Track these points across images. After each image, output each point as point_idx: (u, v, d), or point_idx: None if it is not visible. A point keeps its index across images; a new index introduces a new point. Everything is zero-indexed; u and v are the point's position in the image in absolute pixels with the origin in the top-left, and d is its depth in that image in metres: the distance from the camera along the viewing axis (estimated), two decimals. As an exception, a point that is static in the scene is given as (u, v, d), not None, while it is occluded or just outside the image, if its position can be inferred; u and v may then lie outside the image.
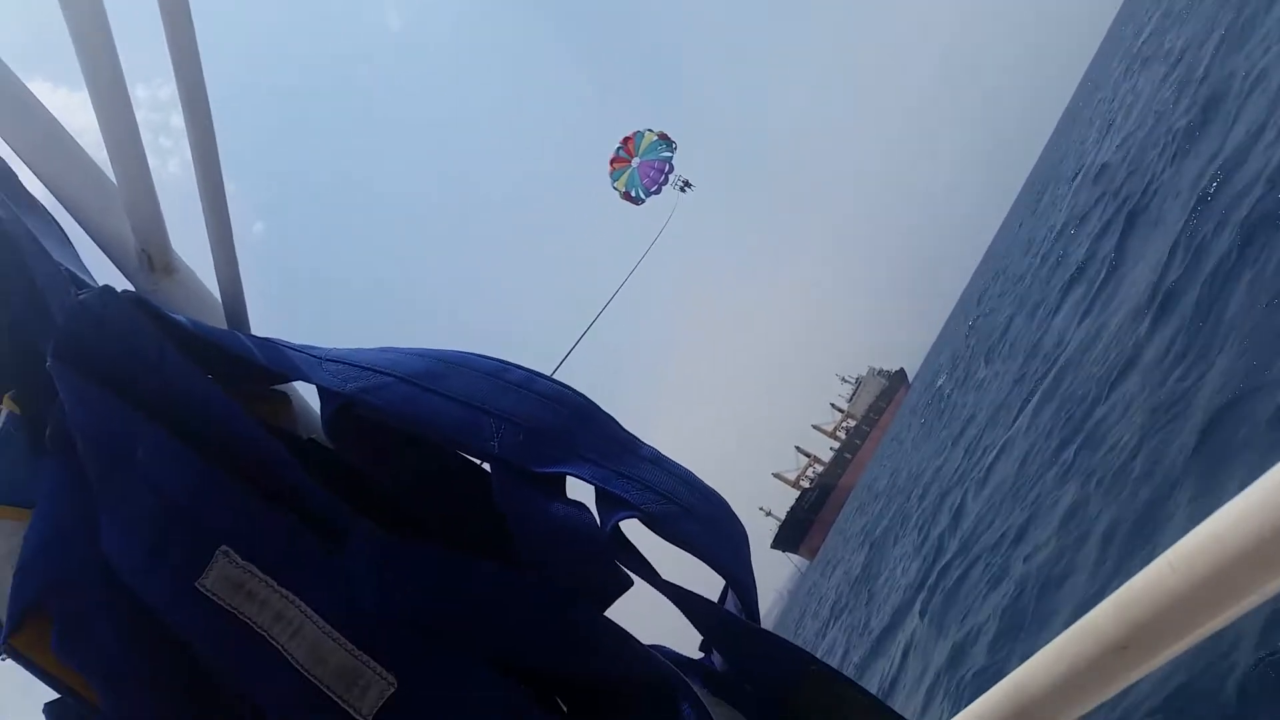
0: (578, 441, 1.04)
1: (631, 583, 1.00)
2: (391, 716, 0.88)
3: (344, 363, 1.06)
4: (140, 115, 1.15)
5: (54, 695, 1.10)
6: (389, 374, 1.04)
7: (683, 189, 17.71)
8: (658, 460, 1.08)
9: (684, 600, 1.01)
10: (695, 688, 0.97)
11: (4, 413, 1.24)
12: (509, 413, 1.03)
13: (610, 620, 0.98)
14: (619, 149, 17.26)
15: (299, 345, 1.10)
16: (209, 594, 0.92)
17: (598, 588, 1.00)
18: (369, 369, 1.05)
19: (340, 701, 0.88)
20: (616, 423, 1.10)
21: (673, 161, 17.27)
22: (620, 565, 0.99)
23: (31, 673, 1.06)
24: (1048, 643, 0.64)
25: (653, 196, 17.34)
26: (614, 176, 17.45)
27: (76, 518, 1.06)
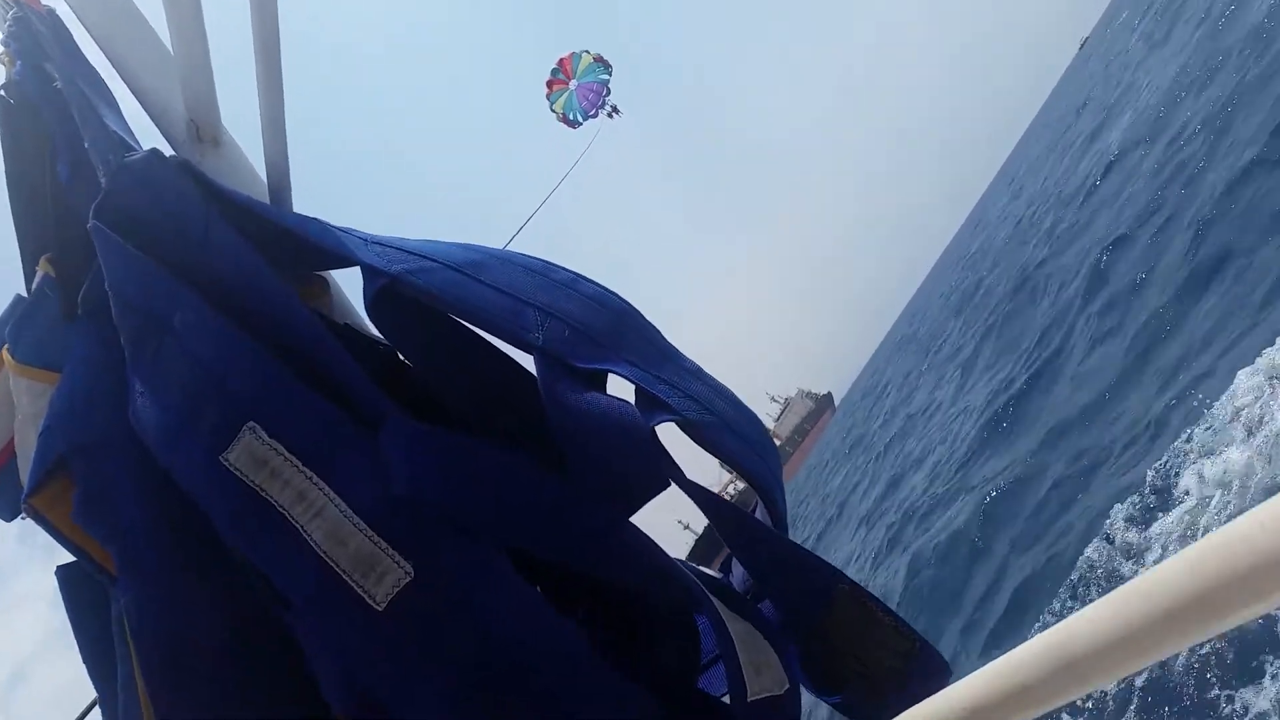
0: (621, 343, 1.01)
1: (667, 483, 0.97)
2: (406, 605, 0.87)
3: (390, 246, 1.03)
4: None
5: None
6: (435, 260, 1.02)
7: (610, 114, 17.50)
8: (698, 373, 1.06)
9: (716, 507, 0.98)
10: (714, 602, 0.95)
11: (40, 274, 1.23)
12: (554, 308, 1.00)
13: (635, 526, 0.96)
14: (555, 70, 17.02)
15: (343, 228, 1.07)
16: (232, 469, 0.91)
17: (634, 484, 0.98)
18: (414, 253, 1.02)
19: (356, 586, 0.87)
20: (659, 332, 1.08)
21: (609, 85, 17.07)
22: (657, 465, 0.96)
23: (50, 534, 1.05)
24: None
25: (590, 120, 17.19)
26: (551, 99, 17.23)
27: (105, 383, 1.04)
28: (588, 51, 17.00)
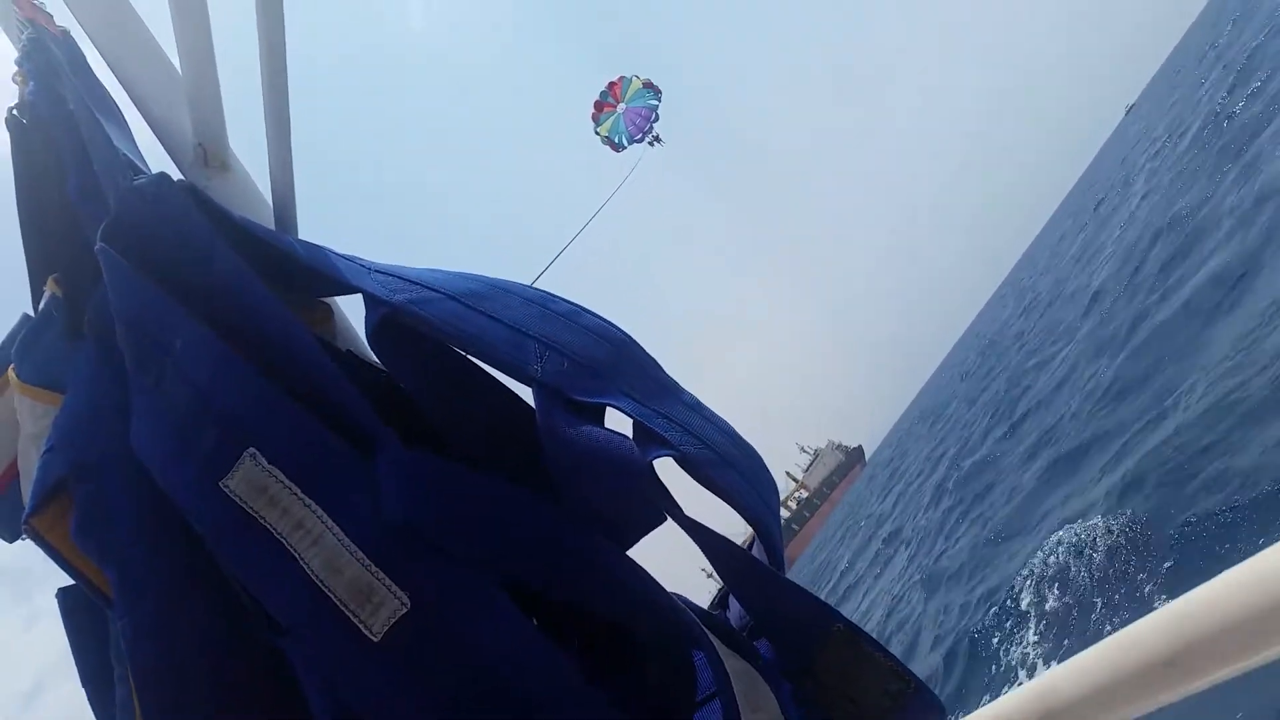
0: (620, 377, 1.02)
1: (664, 519, 0.98)
2: (401, 637, 0.87)
3: (392, 275, 1.04)
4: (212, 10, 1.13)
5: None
6: (437, 290, 1.03)
7: (651, 143, 17.38)
8: (697, 407, 1.06)
9: (711, 543, 0.98)
10: (711, 639, 0.95)
11: (47, 294, 1.24)
12: (554, 340, 1.01)
13: (631, 559, 0.96)
14: (604, 94, 16.92)
15: (347, 255, 1.08)
16: (232, 495, 0.91)
17: (629, 520, 0.98)
18: (417, 283, 1.03)
19: (352, 616, 0.87)
20: (658, 365, 1.08)
21: (658, 111, 16.98)
22: (653, 500, 0.97)
23: (49, 555, 1.06)
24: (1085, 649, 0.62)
25: (635, 144, 17.09)
26: (598, 122, 17.11)
27: (107, 405, 1.05)
28: (637, 76, 16.92)
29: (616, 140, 17.09)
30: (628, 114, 16.99)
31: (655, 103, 16.94)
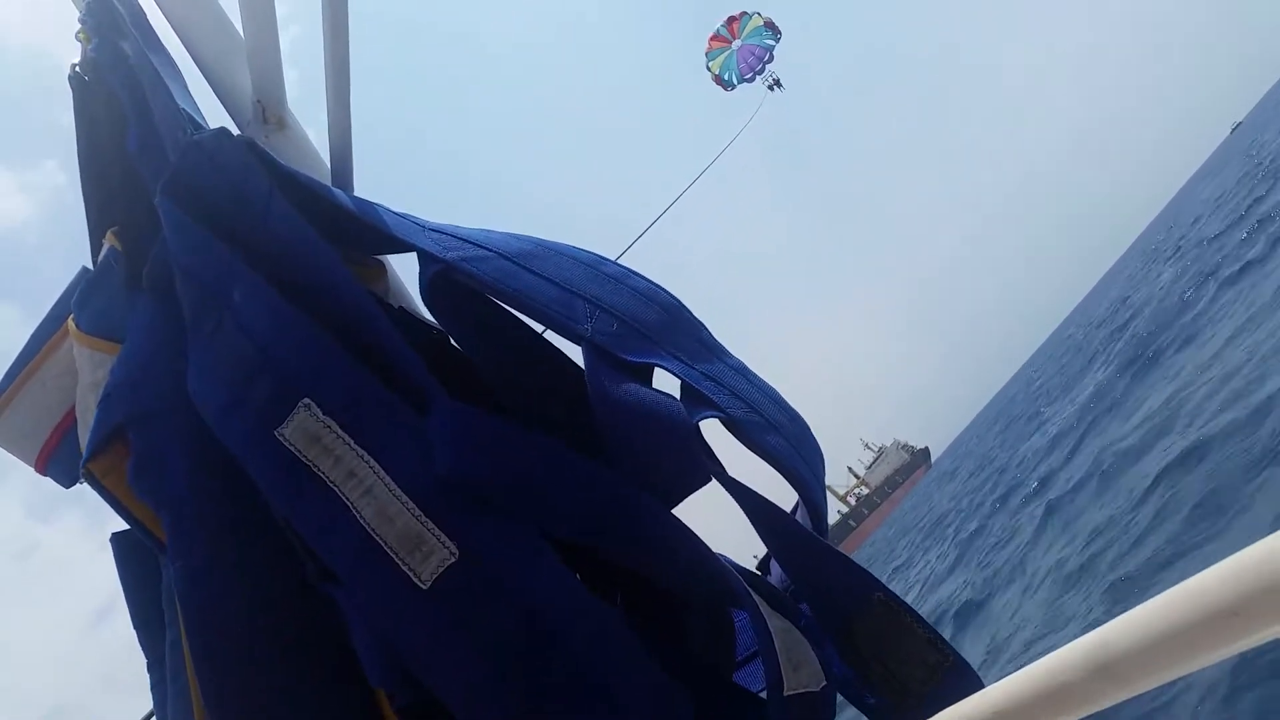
0: (669, 339, 1.02)
1: (709, 478, 0.98)
2: (450, 585, 0.88)
3: (446, 233, 1.05)
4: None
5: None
6: (489, 249, 1.03)
7: (772, 87, 16.62)
8: (744, 371, 1.06)
9: (755, 505, 0.99)
10: (754, 598, 0.96)
11: (106, 247, 1.26)
12: (604, 301, 1.02)
13: (677, 518, 0.96)
14: (721, 28, 16.10)
15: (402, 213, 1.09)
16: (287, 444, 0.93)
17: (676, 479, 0.98)
18: (470, 241, 1.04)
19: (402, 564, 0.88)
20: (707, 329, 1.08)
21: (774, 51, 16.26)
22: (699, 460, 0.97)
23: (105, 500, 1.08)
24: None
25: (744, 84, 16.38)
26: (710, 56, 16.22)
27: (165, 355, 1.07)
28: (759, 13, 16.04)
29: (726, 78, 16.45)
30: (741, 51, 16.22)
31: (772, 43, 16.14)
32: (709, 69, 16.47)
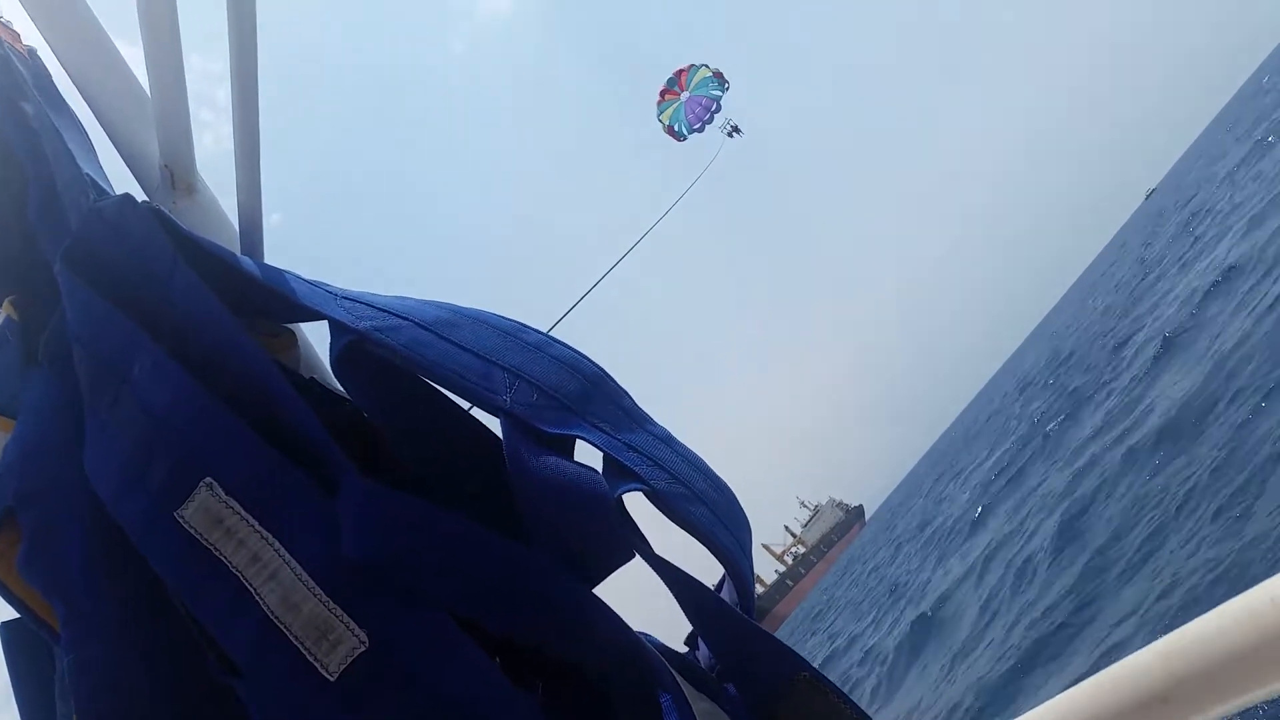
0: (591, 409, 0.99)
1: (631, 555, 0.95)
2: (359, 676, 0.84)
3: (359, 301, 1.02)
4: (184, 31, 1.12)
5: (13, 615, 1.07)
6: (404, 317, 1.00)
7: (731, 134, 17.10)
8: (669, 440, 1.04)
9: (679, 582, 0.96)
10: (678, 680, 0.93)
11: (2, 317, 1.21)
12: (524, 370, 0.99)
13: (599, 598, 0.93)
14: (671, 81, 16.58)
15: (313, 281, 1.06)
16: (187, 526, 0.88)
17: (597, 555, 0.95)
18: (384, 310, 1.01)
19: (308, 654, 0.84)
20: (630, 397, 1.06)
21: (721, 101, 16.69)
22: (622, 536, 0.94)
23: None
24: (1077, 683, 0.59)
25: (694, 134, 16.79)
26: (660, 109, 16.76)
27: (61, 432, 1.02)
28: (706, 65, 16.59)
29: (677, 129, 16.83)
30: (689, 103, 16.70)
31: (719, 93, 16.61)
32: (660, 120, 16.89)
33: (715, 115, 16.70)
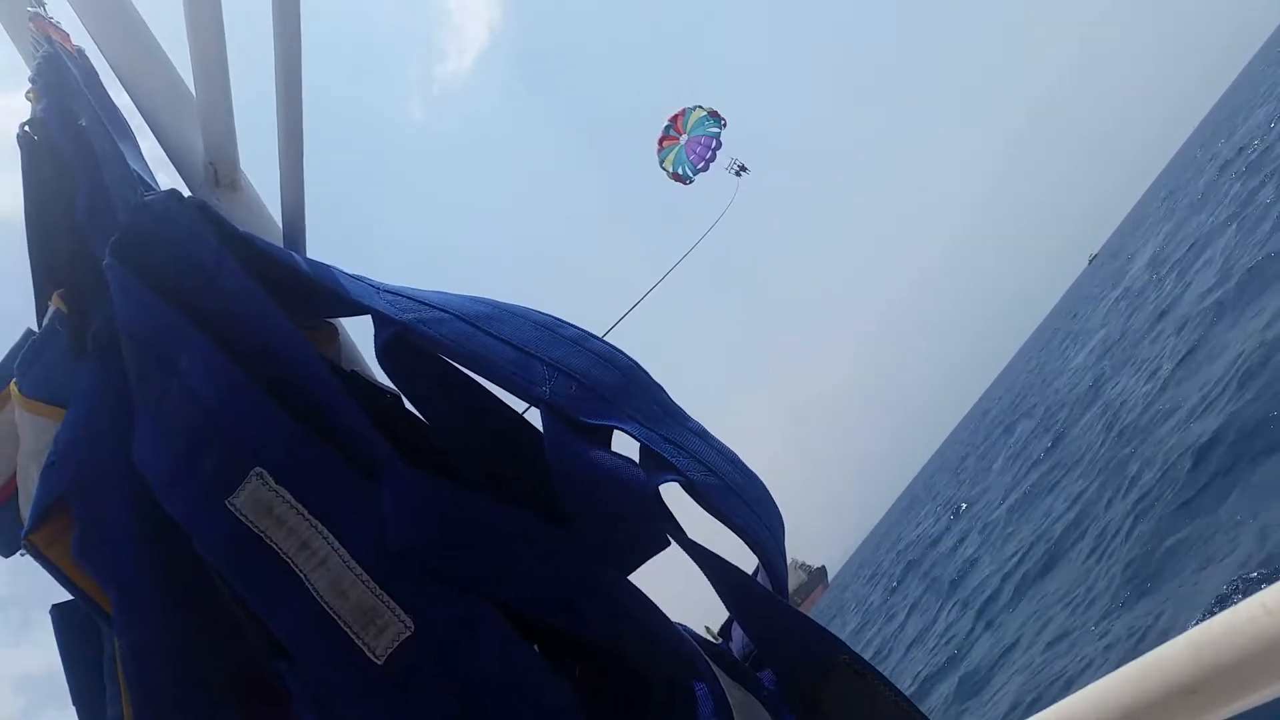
0: (627, 401, 1.01)
1: (667, 543, 0.97)
2: (404, 659, 0.86)
3: (401, 295, 1.04)
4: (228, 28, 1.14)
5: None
6: (445, 310, 1.02)
7: (738, 173, 17.03)
8: (703, 434, 1.06)
9: (716, 568, 0.97)
10: (713, 669, 0.94)
11: (51, 309, 1.24)
12: (562, 363, 1.01)
13: (636, 587, 0.95)
14: (667, 127, 16.41)
15: (355, 275, 1.08)
16: (238, 514, 0.91)
17: (634, 544, 0.97)
18: (425, 303, 1.03)
19: (356, 638, 0.86)
20: (665, 392, 1.08)
21: (720, 138, 16.60)
22: (658, 525, 0.96)
23: (48, 571, 1.05)
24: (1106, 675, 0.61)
25: (701, 174, 16.71)
26: (661, 156, 16.65)
27: (110, 422, 1.05)
28: (700, 106, 16.43)
29: (681, 172, 16.75)
30: (690, 144, 16.55)
31: (716, 130, 16.46)
32: (663, 168, 16.79)
33: (717, 153, 16.61)
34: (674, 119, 16.56)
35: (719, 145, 16.63)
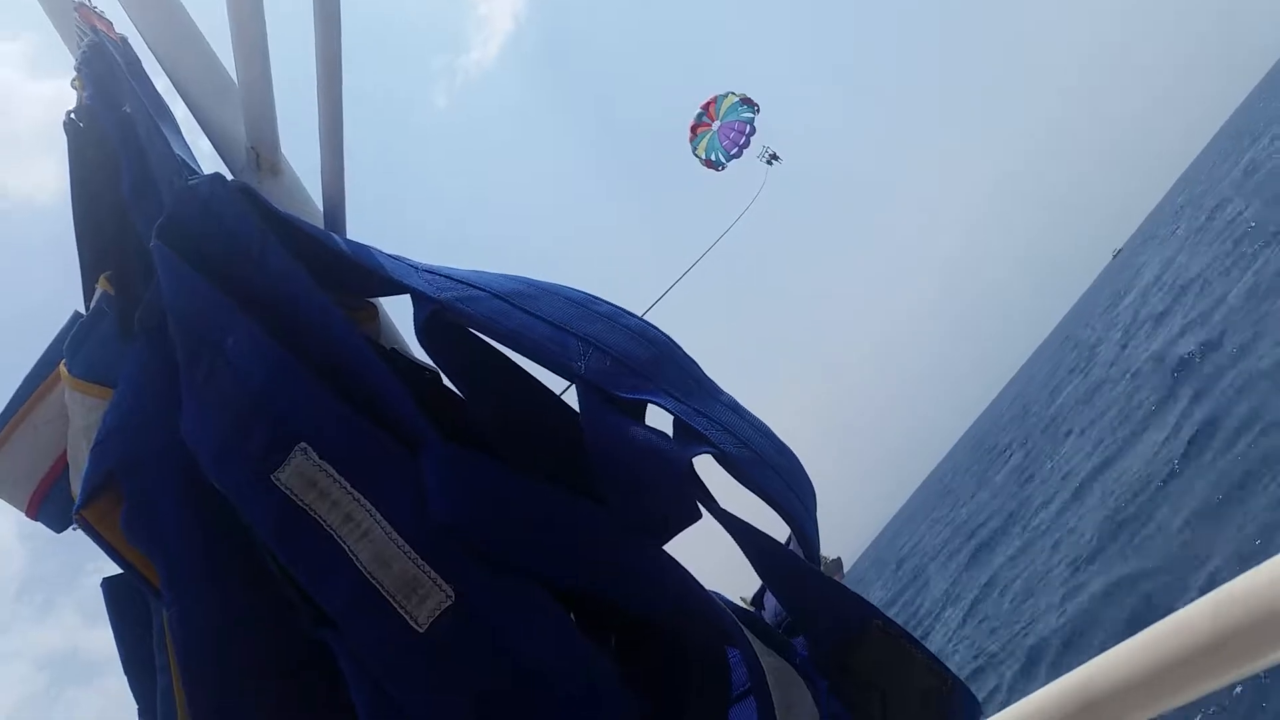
0: (662, 376, 1.03)
1: (700, 515, 0.98)
2: (445, 628, 0.89)
3: (439, 274, 1.06)
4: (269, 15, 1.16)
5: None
6: (482, 289, 1.04)
7: (770, 161, 16.76)
8: (736, 408, 1.07)
9: (750, 538, 0.99)
10: (747, 635, 0.96)
11: (98, 292, 1.27)
12: (597, 338, 1.02)
13: (670, 556, 0.97)
14: (700, 114, 16.01)
15: (394, 255, 1.10)
16: (283, 488, 0.93)
17: (668, 516, 0.99)
18: (463, 282, 1.05)
19: (398, 607, 0.89)
20: (699, 366, 1.09)
21: (754, 124, 16.32)
22: (692, 496, 0.98)
23: (99, 546, 1.08)
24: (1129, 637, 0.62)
25: (734, 161, 16.45)
26: (694, 143, 16.33)
27: (157, 400, 1.07)
28: (732, 92, 16.11)
29: (715, 159, 16.54)
30: (722, 130, 16.19)
31: (750, 115, 16.12)
32: (696, 155, 16.53)
33: (750, 139, 16.35)
34: (706, 106, 16.31)
35: (753, 131, 16.36)
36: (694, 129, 16.54)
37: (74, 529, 1.12)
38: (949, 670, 0.96)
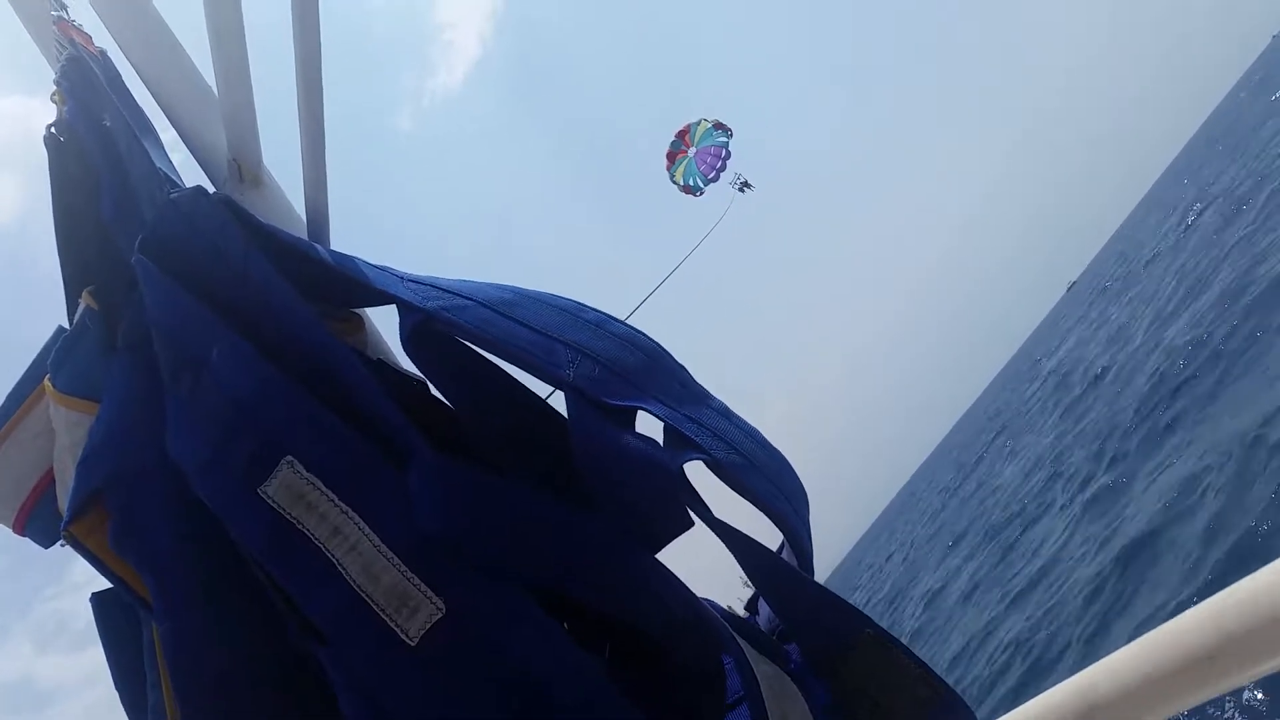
0: (651, 382, 1.03)
1: (692, 523, 0.98)
2: (437, 641, 0.88)
3: (424, 284, 1.06)
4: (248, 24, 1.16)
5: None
6: (469, 298, 1.04)
7: (742, 189, 17.06)
8: (727, 414, 1.07)
9: (741, 545, 0.99)
10: (740, 643, 0.96)
11: (82, 306, 1.26)
12: (585, 346, 1.02)
13: (662, 564, 0.97)
14: (675, 142, 16.40)
15: (379, 265, 1.10)
16: (270, 502, 0.93)
17: (659, 524, 0.99)
18: (449, 291, 1.05)
19: (389, 621, 0.88)
20: (688, 372, 1.09)
21: (729, 147, 16.59)
22: (683, 504, 0.98)
23: (88, 561, 1.08)
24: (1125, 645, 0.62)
25: (712, 185, 16.72)
26: (671, 171, 16.60)
27: (142, 415, 1.07)
28: (705, 119, 16.39)
29: (691, 184, 16.76)
30: (699, 155, 16.56)
31: (724, 139, 16.43)
32: (674, 181, 16.75)
33: (727, 162, 16.55)
34: (681, 134, 16.59)
35: (728, 155, 16.62)
36: (670, 156, 16.81)
37: (62, 544, 1.12)
38: (942, 679, 0.96)
